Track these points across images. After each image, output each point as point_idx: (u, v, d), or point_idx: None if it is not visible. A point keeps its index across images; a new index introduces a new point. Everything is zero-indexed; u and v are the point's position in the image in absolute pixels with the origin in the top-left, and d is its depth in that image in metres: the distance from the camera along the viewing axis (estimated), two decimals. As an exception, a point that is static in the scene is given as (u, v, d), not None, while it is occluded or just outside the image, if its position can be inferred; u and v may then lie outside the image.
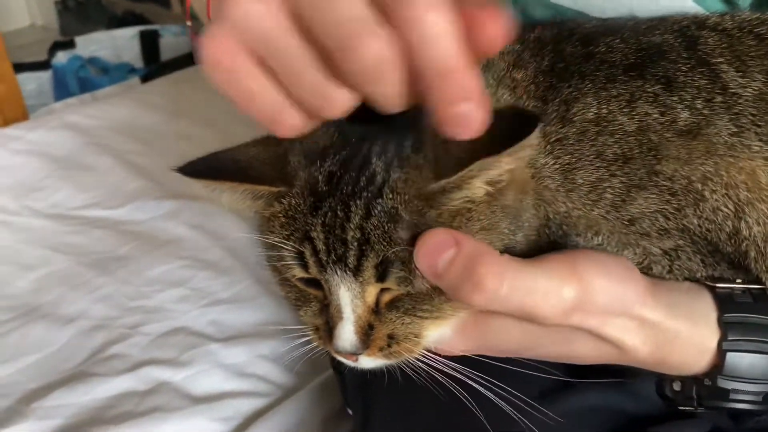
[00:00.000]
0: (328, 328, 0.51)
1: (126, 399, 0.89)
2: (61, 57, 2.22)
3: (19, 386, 0.92)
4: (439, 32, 0.37)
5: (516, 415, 0.55)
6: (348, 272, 0.47)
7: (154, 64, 2.25)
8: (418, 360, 0.51)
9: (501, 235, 0.48)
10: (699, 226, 0.50)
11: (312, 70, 0.40)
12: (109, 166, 1.38)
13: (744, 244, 0.50)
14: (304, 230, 0.48)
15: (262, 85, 0.42)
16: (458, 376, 0.51)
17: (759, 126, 0.49)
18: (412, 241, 0.46)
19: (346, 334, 0.49)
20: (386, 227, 0.46)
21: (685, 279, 0.53)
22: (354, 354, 0.50)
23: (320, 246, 0.47)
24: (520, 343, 0.51)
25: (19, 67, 2.12)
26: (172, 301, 1.05)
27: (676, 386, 0.54)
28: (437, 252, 0.45)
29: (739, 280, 0.52)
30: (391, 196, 0.46)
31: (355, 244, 0.46)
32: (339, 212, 0.46)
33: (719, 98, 0.50)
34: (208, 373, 0.93)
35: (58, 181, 1.33)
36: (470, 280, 0.44)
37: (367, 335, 0.49)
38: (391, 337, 0.50)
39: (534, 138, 0.43)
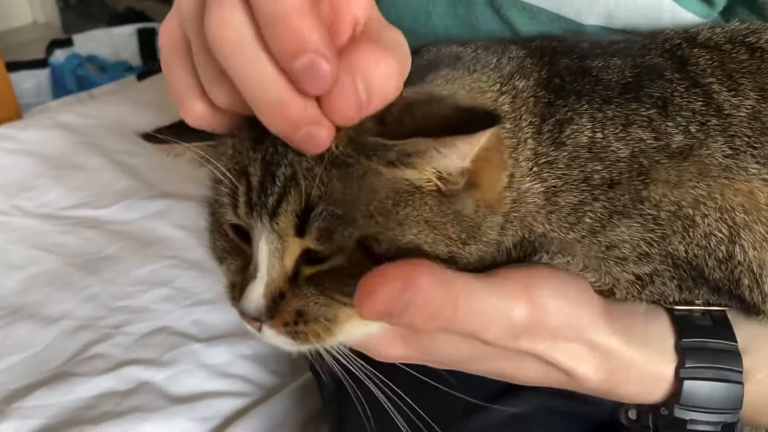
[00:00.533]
0: (242, 287, 0.48)
1: (106, 399, 0.90)
2: (59, 55, 2.23)
3: (1, 387, 0.92)
4: None
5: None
6: (266, 217, 0.44)
7: (152, 62, 2.26)
8: (334, 357, 0.48)
9: (447, 239, 0.46)
10: (686, 252, 0.48)
11: (208, 58, 0.40)
12: (100, 165, 1.38)
13: (738, 270, 0.48)
14: (243, 164, 0.46)
15: (180, 65, 0.43)
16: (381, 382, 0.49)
17: (755, 148, 0.48)
18: (341, 187, 0.43)
19: (254, 295, 0.46)
20: (315, 164, 0.43)
21: (654, 302, 0.51)
22: (257, 320, 0.46)
23: (254, 183, 0.45)
24: (466, 358, 0.49)
25: (17, 66, 2.13)
26: (156, 301, 1.05)
27: (632, 414, 0.52)
28: (393, 295, 0.41)
29: (698, 302, 0.50)
30: None
31: (282, 179, 0.44)
32: (279, 146, 0.44)
33: (714, 121, 0.48)
34: (189, 374, 0.94)
35: (49, 180, 1.34)
36: (426, 312, 0.42)
37: (276, 303, 0.46)
38: (300, 314, 0.46)
39: (479, 137, 0.42)
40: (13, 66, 2.05)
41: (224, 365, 0.95)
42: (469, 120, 0.42)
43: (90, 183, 1.33)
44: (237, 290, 0.48)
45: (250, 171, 0.45)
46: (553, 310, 0.45)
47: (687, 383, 0.48)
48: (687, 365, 0.48)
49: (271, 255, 0.46)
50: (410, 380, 0.50)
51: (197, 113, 0.44)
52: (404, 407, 0.52)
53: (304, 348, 0.48)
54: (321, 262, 0.45)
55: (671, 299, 0.51)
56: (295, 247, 0.45)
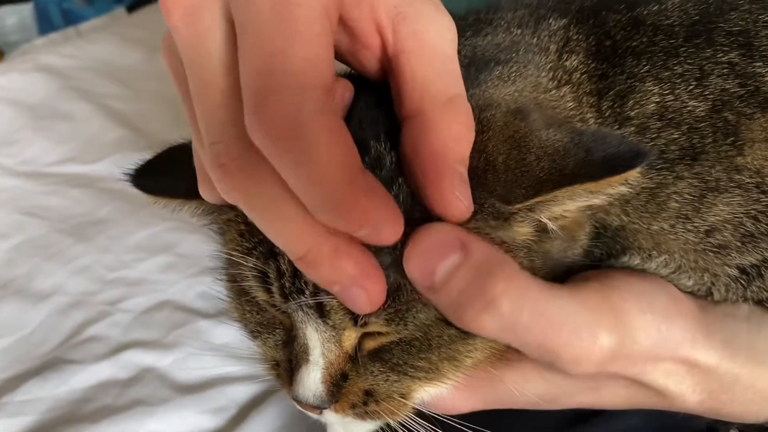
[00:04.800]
0: (289, 366, 0.41)
1: (105, 390, 0.79)
2: (42, -13, 2.05)
3: (-11, 377, 0.81)
4: (306, 168, 0.30)
5: None
6: (312, 312, 0.38)
7: (142, -8, 2.07)
8: (403, 425, 0.42)
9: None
10: None
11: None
12: (88, 113, 1.24)
13: None
14: (269, 243, 0.37)
15: (195, 136, 0.39)
16: None
17: None
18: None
19: (310, 382, 0.39)
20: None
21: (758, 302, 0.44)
22: (318, 408, 0.40)
23: (284, 267, 0.37)
24: (540, 396, 0.42)
25: (-3, 1, 1.96)
26: (155, 271, 0.94)
27: None
28: (437, 254, 0.35)
29: None
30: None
31: None
32: None
33: None
34: (197, 357, 0.82)
35: (32, 133, 1.20)
36: (481, 297, 0.35)
37: (337, 386, 0.40)
38: (369, 393, 0.40)
39: (636, 174, 0.35)
40: (-8, 1, 1.89)
41: (236, 345, 0.83)
42: (606, 152, 0.35)
43: (77, 134, 1.19)
44: (283, 370, 0.42)
45: (278, 250, 0.38)
46: (641, 328, 0.39)
47: None
48: None
49: (326, 340, 0.39)
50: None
51: (212, 199, 0.38)
52: None
53: (375, 423, 0.43)
54: (385, 333, 0.39)
55: None
56: (354, 333, 0.39)
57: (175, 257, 0.95)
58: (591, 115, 0.42)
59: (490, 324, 0.35)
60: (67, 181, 1.10)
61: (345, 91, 0.37)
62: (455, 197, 0.34)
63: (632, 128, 0.42)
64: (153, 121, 1.18)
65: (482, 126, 0.38)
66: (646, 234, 0.42)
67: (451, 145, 0.34)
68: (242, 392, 0.79)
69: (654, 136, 0.41)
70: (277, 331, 0.43)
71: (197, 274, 0.93)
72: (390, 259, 0.36)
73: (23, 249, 0.98)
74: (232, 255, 0.40)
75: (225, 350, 0.83)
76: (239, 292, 0.43)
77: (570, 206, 0.37)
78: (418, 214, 0.36)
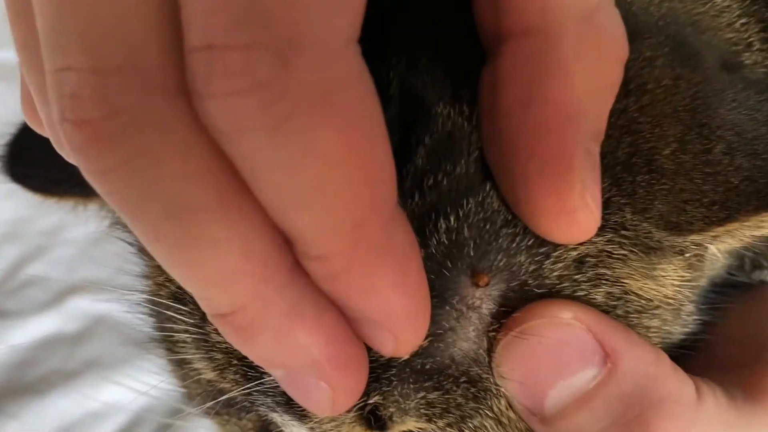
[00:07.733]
0: None
1: (52, 349, 0.66)
2: None
3: None
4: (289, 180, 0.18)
5: None
6: (290, 413, 0.24)
7: None
8: None
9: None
10: None
11: None
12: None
13: None
14: None
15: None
16: None
17: None
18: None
19: None
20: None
21: None
22: None
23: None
24: None
25: None
26: (99, 189, 0.77)
27: None
28: (556, 365, 0.21)
29: None
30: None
31: None
32: None
33: None
34: (157, 299, 0.69)
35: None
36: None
37: None
38: None
39: None
40: None
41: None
42: None
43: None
44: None
45: None
46: None
47: None
48: None
49: None
50: None
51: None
52: None
53: None
54: None
55: None
56: None
57: (121, 167, 0.78)
58: (755, 38, 0.26)
59: None
60: (-20, 73, 0.90)
61: None
62: (582, 201, 0.19)
63: None
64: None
65: (627, 82, 0.21)
66: None
67: (590, 101, 0.19)
68: (216, 339, 0.67)
69: None
70: (244, 421, 0.31)
71: (149, 189, 0.77)
72: (451, 315, 0.22)
73: (-62, 168, 0.82)
74: (159, 300, 0.28)
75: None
76: (178, 362, 0.30)
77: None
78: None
